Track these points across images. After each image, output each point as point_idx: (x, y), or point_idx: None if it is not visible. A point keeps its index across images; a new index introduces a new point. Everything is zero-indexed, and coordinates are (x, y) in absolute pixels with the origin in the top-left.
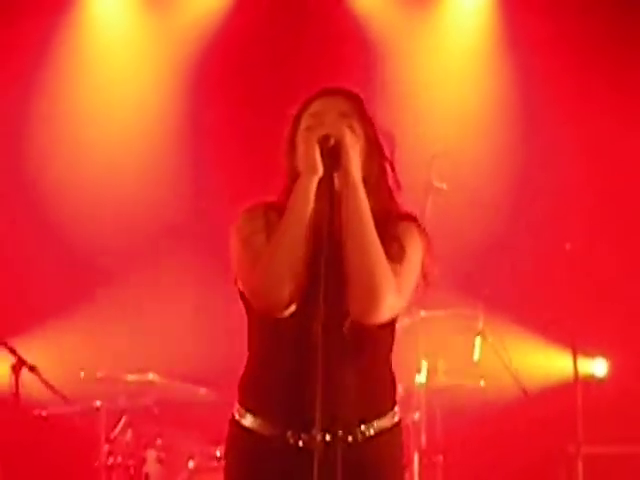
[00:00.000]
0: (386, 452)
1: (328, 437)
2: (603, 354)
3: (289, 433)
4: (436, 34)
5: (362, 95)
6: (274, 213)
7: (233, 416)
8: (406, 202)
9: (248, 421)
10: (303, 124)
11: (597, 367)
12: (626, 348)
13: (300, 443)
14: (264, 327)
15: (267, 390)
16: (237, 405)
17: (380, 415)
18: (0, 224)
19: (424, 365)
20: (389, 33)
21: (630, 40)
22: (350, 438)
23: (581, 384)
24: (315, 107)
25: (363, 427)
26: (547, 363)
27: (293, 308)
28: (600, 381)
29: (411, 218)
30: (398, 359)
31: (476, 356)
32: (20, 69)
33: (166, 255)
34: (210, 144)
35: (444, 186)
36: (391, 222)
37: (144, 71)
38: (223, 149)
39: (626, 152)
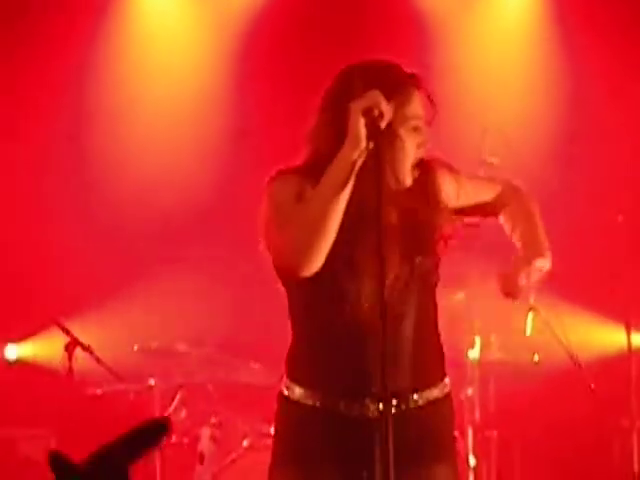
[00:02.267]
0: (438, 422)
1: (381, 406)
2: None
3: (342, 403)
4: (489, 14)
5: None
6: (309, 180)
7: (281, 391)
8: None
9: (297, 393)
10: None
11: None
12: None
13: (354, 412)
14: (307, 299)
15: (317, 361)
16: (285, 379)
17: (432, 384)
18: (53, 207)
19: (477, 340)
20: (443, 13)
21: None
22: (403, 406)
23: (635, 357)
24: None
25: (416, 396)
26: (600, 337)
27: (314, 270)
28: None
29: (429, 165)
30: (451, 334)
31: (529, 331)
32: (72, 60)
33: (218, 233)
34: (257, 132)
35: (495, 160)
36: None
37: (190, 57)
38: (271, 136)
39: None
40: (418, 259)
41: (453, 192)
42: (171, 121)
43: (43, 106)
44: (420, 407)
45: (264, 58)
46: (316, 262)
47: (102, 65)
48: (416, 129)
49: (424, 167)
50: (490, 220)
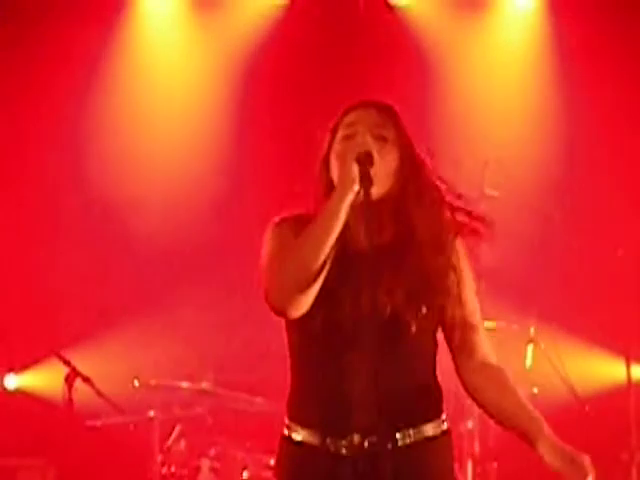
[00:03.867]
0: (431, 461)
1: (366, 444)
2: None
3: (328, 440)
4: (487, 42)
5: (398, 107)
6: (304, 225)
7: (283, 433)
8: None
9: (300, 435)
10: (339, 135)
11: None
12: None
13: (343, 450)
14: (301, 338)
15: (307, 399)
16: (287, 421)
17: (422, 422)
18: (54, 235)
19: None
20: (440, 42)
21: None
22: (389, 445)
23: (634, 390)
24: (349, 118)
25: (403, 434)
26: (600, 370)
27: (301, 311)
28: None
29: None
30: (451, 367)
31: (528, 363)
32: (77, 69)
33: (217, 264)
34: (255, 150)
35: (496, 193)
36: (442, 233)
37: (194, 73)
38: (268, 155)
39: None
40: (405, 296)
41: (463, 271)
42: (171, 142)
43: (43, 120)
44: (410, 445)
45: (265, 83)
46: (303, 303)
47: (104, 84)
48: (348, 137)
49: (456, 230)
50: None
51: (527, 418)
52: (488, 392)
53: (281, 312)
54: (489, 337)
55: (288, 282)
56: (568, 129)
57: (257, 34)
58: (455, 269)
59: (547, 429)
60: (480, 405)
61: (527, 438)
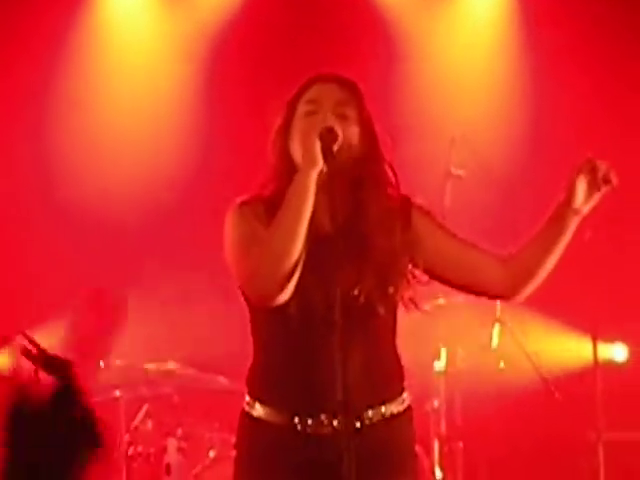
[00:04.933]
0: (395, 438)
1: (335, 423)
2: (623, 339)
3: (296, 419)
4: (453, 19)
5: (360, 84)
6: (267, 206)
7: (243, 408)
8: (426, 189)
9: (257, 411)
10: (299, 110)
11: (617, 352)
12: None
13: (308, 429)
14: (266, 316)
15: (274, 378)
16: (247, 397)
17: (388, 400)
18: (19, 220)
19: (443, 352)
20: (406, 19)
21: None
22: (358, 424)
23: (601, 369)
24: (311, 94)
25: (371, 412)
26: (566, 349)
27: (284, 298)
28: (620, 366)
29: (409, 200)
30: (417, 346)
31: (494, 343)
32: (38, 62)
33: (182, 243)
34: (224, 129)
35: (462, 172)
36: (395, 213)
37: (161, 53)
38: (237, 143)
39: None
40: (374, 279)
41: (426, 236)
42: (138, 123)
43: (6, 103)
44: (377, 423)
45: (232, 62)
46: (287, 289)
47: (69, 65)
48: (310, 113)
49: (404, 204)
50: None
51: (548, 227)
52: (527, 262)
53: (266, 301)
54: (458, 312)
55: (271, 271)
56: (535, 107)
57: (224, 12)
58: (420, 238)
59: (557, 207)
60: (532, 277)
61: (564, 221)
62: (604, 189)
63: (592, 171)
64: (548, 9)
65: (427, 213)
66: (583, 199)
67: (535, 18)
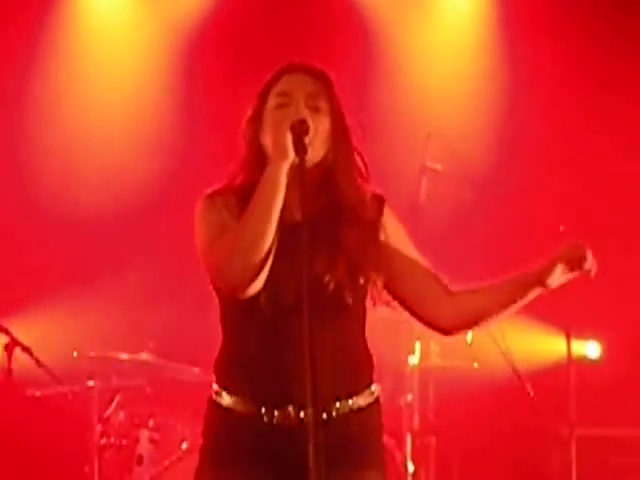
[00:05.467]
0: (363, 431)
1: (302, 414)
2: (596, 336)
3: (263, 410)
4: (430, 14)
5: (331, 75)
6: (238, 196)
7: (210, 396)
8: (402, 183)
9: (225, 400)
10: (271, 102)
11: (590, 349)
12: (619, 330)
13: (275, 420)
14: (235, 305)
15: (242, 367)
16: (214, 385)
17: (356, 392)
18: None
19: (417, 347)
20: (384, 17)
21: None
22: (325, 415)
23: (574, 366)
24: (282, 86)
25: (338, 404)
26: (540, 345)
27: (255, 289)
28: (593, 363)
29: (383, 200)
30: (392, 341)
31: (469, 338)
32: (14, 58)
33: (156, 235)
34: (202, 133)
35: (438, 167)
36: (367, 205)
37: (135, 59)
38: (214, 137)
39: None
40: (345, 268)
41: (391, 240)
42: (110, 121)
43: None
44: (345, 415)
45: (209, 58)
46: (258, 281)
47: (44, 60)
48: (281, 105)
49: (377, 199)
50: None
51: (509, 285)
52: (475, 308)
53: (236, 292)
54: None
55: (242, 263)
56: (510, 102)
57: (200, 7)
58: (384, 238)
59: (527, 272)
60: (475, 323)
61: (529, 289)
62: (579, 274)
63: (576, 259)
64: (525, 7)
65: (399, 221)
66: (557, 280)
67: (512, 15)
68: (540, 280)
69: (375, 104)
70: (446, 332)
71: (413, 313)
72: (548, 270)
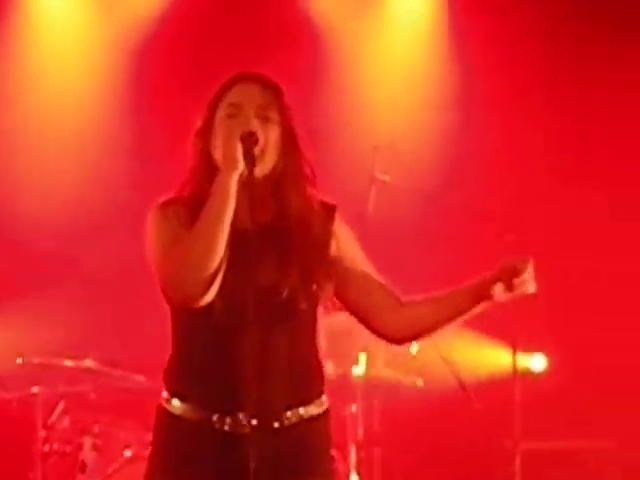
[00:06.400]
0: (313, 440)
1: (254, 422)
2: (541, 349)
3: (215, 417)
4: (381, 24)
5: (282, 85)
6: (188, 206)
7: (160, 404)
8: (350, 194)
9: (175, 407)
10: (221, 112)
11: (535, 362)
12: (564, 343)
13: (226, 427)
14: (187, 312)
15: (194, 374)
16: (164, 392)
17: (307, 402)
18: None
19: (362, 357)
20: (336, 24)
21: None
22: (277, 424)
23: (519, 379)
24: (233, 96)
25: (289, 413)
26: (486, 358)
27: (207, 300)
28: (538, 376)
29: (334, 209)
30: (337, 350)
31: (414, 349)
32: None
33: (102, 243)
34: (155, 135)
35: (387, 178)
36: (316, 213)
37: (88, 59)
38: (167, 139)
39: (568, 145)
40: (298, 275)
41: (341, 249)
42: (66, 118)
43: None
44: (294, 424)
45: (162, 60)
46: (210, 292)
47: None
48: (231, 116)
49: (328, 208)
50: None
51: (456, 296)
52: (422, 318)
53: (188, 303)
54: None
55: (195, 274)
56: (462, 114)
57: (154, 8)
58: (335, 246)
59: (473, 284)
60: (423, 334)
61: (474, 301)
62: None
63: (517, 272)
64: (476, 17)
65: (349, 231)
66: (501, 294)
67: (463, 25)
68: (483, 293)
69: (324, 113)
70: (395, 341)
71: (362, 321)
72: (490, 282)
